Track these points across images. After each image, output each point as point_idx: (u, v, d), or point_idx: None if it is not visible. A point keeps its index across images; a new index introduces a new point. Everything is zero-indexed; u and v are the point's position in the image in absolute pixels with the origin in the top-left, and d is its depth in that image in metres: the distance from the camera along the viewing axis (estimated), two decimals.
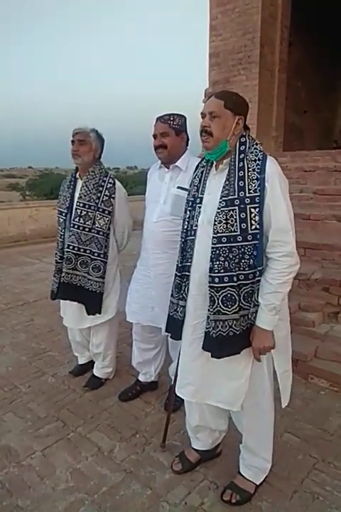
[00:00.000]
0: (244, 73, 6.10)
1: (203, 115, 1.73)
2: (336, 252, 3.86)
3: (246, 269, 1.63)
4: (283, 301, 1.71)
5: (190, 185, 1.91)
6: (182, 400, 2.06)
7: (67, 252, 2.59)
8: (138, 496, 1.96)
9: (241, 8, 6.02)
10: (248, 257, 1.62)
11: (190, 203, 1.84)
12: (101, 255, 2.60)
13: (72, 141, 2.58)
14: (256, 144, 1.71)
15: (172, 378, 2.59)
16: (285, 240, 1.63)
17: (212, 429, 2.07)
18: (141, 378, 2.81)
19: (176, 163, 2.30)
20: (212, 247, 1.66)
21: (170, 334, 2.01)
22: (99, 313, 2.66)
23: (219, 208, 1.65)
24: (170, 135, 2.25)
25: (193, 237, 1.79)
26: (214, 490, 2.00)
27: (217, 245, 1.64)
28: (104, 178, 2.61)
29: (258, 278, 1.65)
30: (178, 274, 1.89)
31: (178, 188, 2.25)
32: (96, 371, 2.95)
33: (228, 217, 1.62)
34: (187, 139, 2.37)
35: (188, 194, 1.91)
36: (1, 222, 7.99)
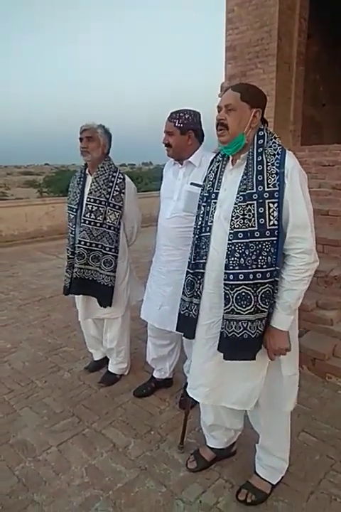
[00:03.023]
0: (261, 66, 6.01)
1: (219, 108, 1.69)
2: None
3: (264, 266, 1.57)
4: (299, 301, 1.65)
5: (205, 181, 1.87)
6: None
7: (79, 247, 2.61)
8: (153, 493, 1.95)
9: (258, 0, 5.91)
10: (266, 253, 1.57)
11: (205, 199, 1.80)
12: (113, 250, 2.61)
13: (80, 139, 2.60)
14: (275, 138, 1.66)
15: (187, 375, 2.58)
16: (303, 236, 1.58)
17: (227, 428, 2.05)
18: (155, 375, 2.81)
19: (189, 159, 2.29)
20: (228, 243, 1.62)
21: (182, 333, 1.98)
22: (111, 306, 2.67)
23: (236, 203, 1.61)
24: (174, 134, 2.25)
25: (208, 234, 1.75)
26: (229, 489, 1.98)
27: (233, 241, 1.60)
28: (114, 174, 2.63)
29: (276, 278, 1.60)
30: (191, 271, 1.85)
31: (191, 184, 2.24)
32: (111, 367, 2.96)
33: (245, 212, 1.58)
34: (202, 136, 2.35)
35: (202, 189, 1.87)
36: (18, 219, 8.10)
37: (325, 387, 2.85)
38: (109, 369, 2.96)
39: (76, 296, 2.85)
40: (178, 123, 2.24)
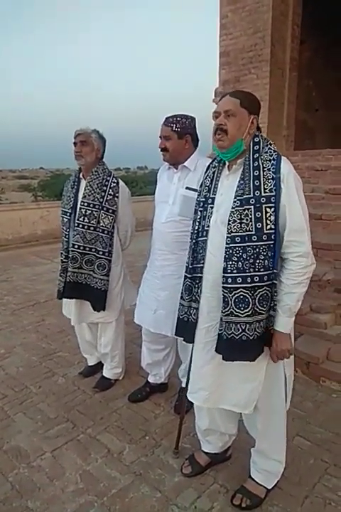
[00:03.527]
0: (255, 72, 6.05)
1: (217, 114, 1.71)
2: None
3: (261, 270, 1.60)
4: (298, 303, 1.68)
5: (201, 186, 1.89)
6: (192, 402, 2.04)
7: (73, 251, 2.61)
8: (148, 499, 1.95)
9: (251, 6, 5.96)
10: (263, 257, 1.59)
11: (201, 204, 1.82)
12: (106, 253, 2.62)
13: (75, 143, 2.61)
14: (270, 144, 1.69)
15: (182, 380, 2.58)
16: (300, 240, 1.61)
17: (222, 433, 2.05)
18: (150, 380, 2.80)
19: (184, 164, 2.30)
20: (226, 247, 1.64)
21: (182, 337, 1.98)
22: (104, 310, 2.67)
23: (233, 208, 1.63)
24: (172, 139, 2.26)
25: (205, 238, 1.77)
26: (224, 494, 1.98)
27: (231, 245, 1.62)
28: (108, 178, 2.64)
29: (274, 281, 1.62)
30: (189, 275, 1.86)
31: (187, 188, 2.25)
32: (106, 372, 2.95)
33: (243, 216, 1.60)
34: (197, 140, 2.36)
35: (199, 195, 1.88)
36: (12, 223, 8.07)
37: (319, 390, 2.86)
38: (104, 374, 2.95)
39: (66, 301, 2.84)
40: (176, 127, 2.25)
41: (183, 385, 2.53)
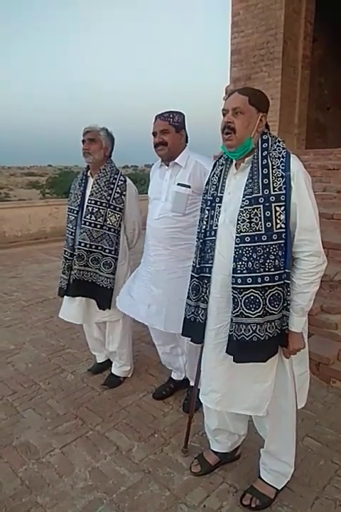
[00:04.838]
0: (266, 70, 6.01)
1: (226, 111, 1.68)
2: None
3: (272, 269, 1.58)
4: (311, 302, 1.66)
5: (208, 184, 1.86)
6: (200, 401, 2.03)
7: (79, 249, 2.61)
8: (157, 497, 1.94)
9: (264, 3, 5.93)
10: (273, 257, 1.57)
11: (209, 203, 1.80)
12: (113, 252, 2.62)
13: (83, 141, 2.62)
14: (279, 141, 1.67)
15: (191, 379, 2.56)
16: (311, 238, 1.59)
17: (231, 432, 2.04)
18: (174, 376, 2.81)
19: (176, 160, 2.29)
20: (235, 247, 1.62)
21: (189, 338, 1.96)
22: (110, 308, 2.67)
23: (242, 207, 1.61)
24: (170, 132, 2.25)
25: (214, 238, 1.74)
26: (233, 493, 1.97)
27: (240, 245, 1.60)
28: (115, 176, 2.64)
29: (286, 281, 1.60)
30: (196, 275, 1.84)
31: (178, 185, 2.25)
32: (115, 370, 2.95)
33: (252, 215, 1.58)
34: (187, 137, 2.36)
35: (206, 193, 1.86)
36: (21, 220, 8.12)
37: (330, 391, 2.83)
38: (113, 372, 2.96)
39: (65, 304, 2.83)
40: (173, 121, 2.25)
41: (192, 383, 2.53)
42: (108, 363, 3.06)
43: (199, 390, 2.16)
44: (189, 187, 2.22)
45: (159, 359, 2.85)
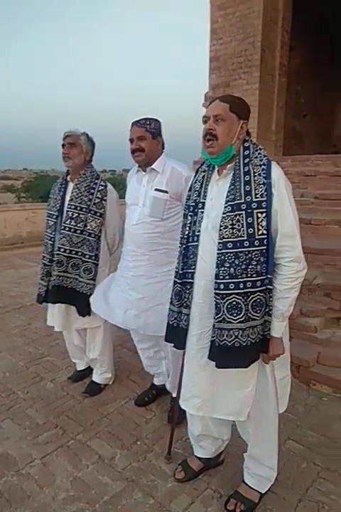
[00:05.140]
0: (245, 77, 6.10)
1: (207, 119, 1.70)
2: (338, 257, 3.85)
3: (254, 275, 1.59)
4: (291, 308, 1.68)
5: (190, 190, 1.87)
6: (185, 412, 2.02)
7: (58, 254, 2.58)
8: (141, 505, 1.91)
9: (242, 12, 6.02)
10: (255, 263, 1.58)
11: (191, 208, 1.80)
12: (93, 257, 2.60)
13: (63, 145, 2.59)
14: (260, 149, 1.69)
15: (172, 391, 2.55)
16: (292, 244, 1.61)
17: (215, 438, 2.03)
18: (155, 382, 2.78)
19: (152, 166, 2.30)
20: (218, 253, 1.62)
21: (171, 343, 1.95)
22: (90, 315, 2.64)
23: (224, 213, 1.62)
24: (147, 139, 2.26)
25: (196, 243, 1.75)
26: (217, 499, 1.96)
27: (223, 251, 1.61)
28: (96, 181, 2.63)
29: (268, 286, 1.61)
30: (179, 281, 1.83)
31: (156, 190, 2.26)
32: (96, 377, 2.90)
33: (234, 222, 1.59)
34: (163, 143, 2.38)
35: (188, 199, 1.86)
36: None
37: (310, 394, 2.87)
38: (93, 379, 2.91)
39: (51, 310, 2.79)
40: (150, 128, 2.27)
41: (174, 395, 2.51)
42: (88, 371, 3.01)
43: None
44: (166, 192, 2.24)
45: (141, 365, 2.83)
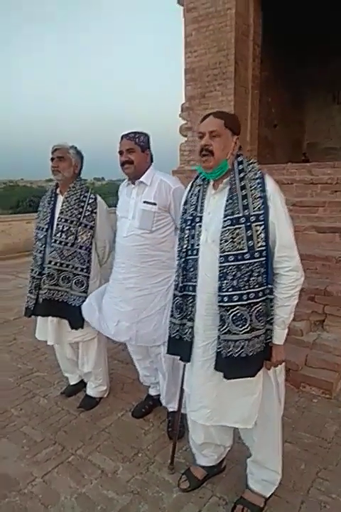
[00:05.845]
0: (220, 89, 6.23)
1: (202, 134, 1.74)
2: (318, 262, 4.00)
3: (256, 286, 1.64)
4: (291, 315, 1.75)
5: (186, 204, 1.91)
6: (186, 426, 2.03)
7: (49, 267, 2.57)
8: None
9: (214, 26, 6.16)
10: (257, 274, 1.64)
11: (189, 222, 1.84)
12: (84, 270, 2.60)
13: (52, 158, 2.60)
14: (253, 163, 1.76)
15: (169, 407, 2.56)
16: (290, 254, 1.68)
17: (217, 445, 2.06)
18: (152, 393, 2.79)
19: (141, 179, 2.34)
20: (220, 266, 1.67)
21: (175, 356, 1.98)
22: (82, 328, 2.63)
23: (224, 227, 1.66)
24: (136, 151, 2.30)
25: (196, 256, 1.78)
26: (223, 506, 1.99)
27: (225, 264, 1.65)
28: (85, 194, 2.64)
29: (270, 296, 1.67)
30: (179, 293, 1.85)
31: (144, 202, 2.30)
32: (90, 391, 2.88)
33: (234, 235, 1.64)
34: (151, 156, 2.43)
35: (184, 213, 1.90)
36: None
37: (301, 396, 2.96)
38: (88, 393, 2.88)
39: (40, 324, 2.76)
40: (139, 141, 2.31)
41: (170, 410, 2.54)
42: (82, 384, 2.99)
43: (182, 414, 2.18)
44: (155, 204, 2.27)
45: (135, 376, 2.83)
